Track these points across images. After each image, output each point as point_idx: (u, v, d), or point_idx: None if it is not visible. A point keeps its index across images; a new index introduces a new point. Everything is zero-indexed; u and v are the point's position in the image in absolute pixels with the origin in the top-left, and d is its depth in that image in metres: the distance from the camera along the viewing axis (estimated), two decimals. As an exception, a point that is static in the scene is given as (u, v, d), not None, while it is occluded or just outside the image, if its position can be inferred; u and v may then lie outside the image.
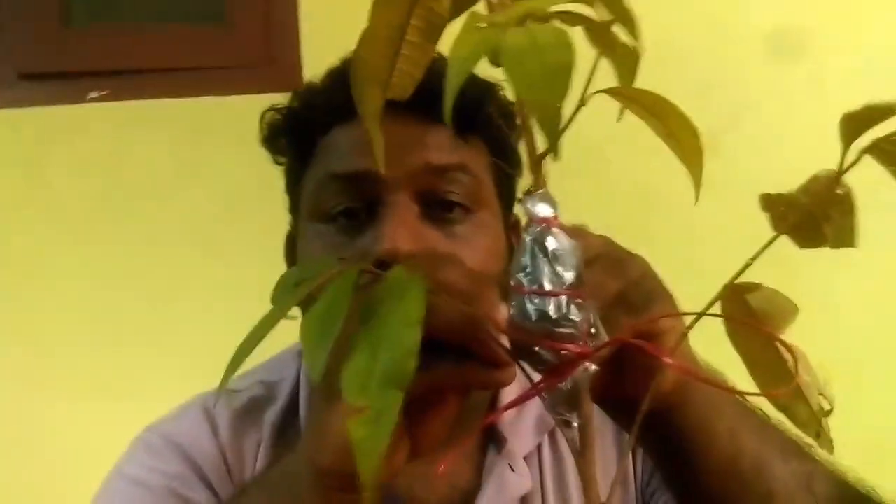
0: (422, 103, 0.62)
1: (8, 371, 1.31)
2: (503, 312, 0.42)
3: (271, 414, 0.71)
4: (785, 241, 0.50)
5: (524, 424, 0.71)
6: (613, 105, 0.42)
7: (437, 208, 0.64)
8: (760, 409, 0.57)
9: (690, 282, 0.52)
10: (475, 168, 0.66)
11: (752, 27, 1.50)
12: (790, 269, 0.52)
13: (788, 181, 0.48)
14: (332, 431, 0.45)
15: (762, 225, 0.48)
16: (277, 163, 0.72)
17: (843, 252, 0.49)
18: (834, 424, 0.54)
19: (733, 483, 0.52)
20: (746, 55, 1.49)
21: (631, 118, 0.43)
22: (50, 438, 1.29)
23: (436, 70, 0.63)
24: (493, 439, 0.70)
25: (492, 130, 0.68)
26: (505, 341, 0.42)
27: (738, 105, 1.46)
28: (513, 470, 0.68)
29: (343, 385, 0.33)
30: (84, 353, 1.32)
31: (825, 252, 0.49)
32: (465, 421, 0.66)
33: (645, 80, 0.40)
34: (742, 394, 0.37)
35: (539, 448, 0.71)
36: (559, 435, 0.71)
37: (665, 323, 0.46)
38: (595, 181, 1.39)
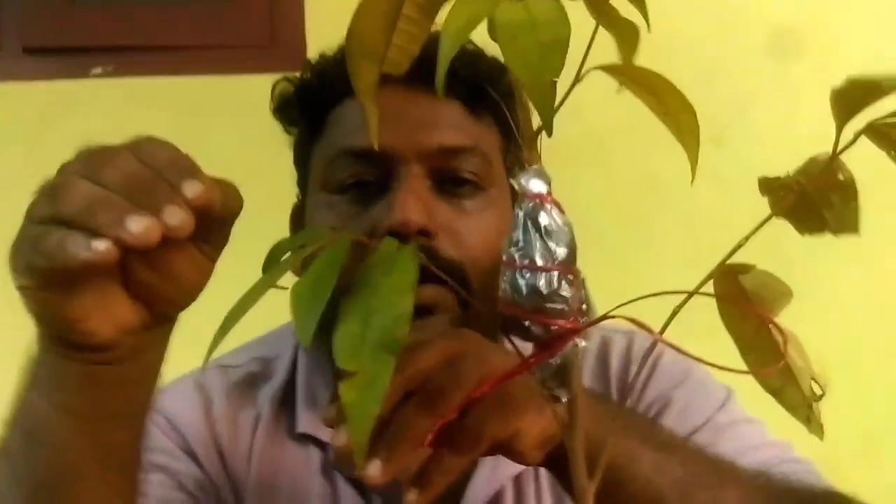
0: (433, 78, 0.62)
1: (5, 345, 1.31)
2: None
3: (268, 389, 0.72)
4: (782, 232, 0.49)
5: None
6: (613, 91, 0.41)
7: (448, 184, 0.65)
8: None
9: (691, 270, 0.52)
10: (486, 148, 0.67)
11: (759, 18, 1.49)
12: (787, 261, 0.52)
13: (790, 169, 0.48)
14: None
15: (761, 213, 0.48)
16: (288, 132, 0.73)
17: (841, 243, 0.48)
18: (830, 416, 0.54)
19: None
20: (752, 46, 1.48)
21: (633, 105, 0.43)
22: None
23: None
24: None
25: (502, 110, 0.69)
26: None
27: (744, 96, 1.46)
28: None
29: (335, 349, 0.33)
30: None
31: (822, 244, 0.49)
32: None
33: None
34: (733, 371, 0.37)
35: None
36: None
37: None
38: (598, 170, 1.39)
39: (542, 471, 0.70)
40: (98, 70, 1.35)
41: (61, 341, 0.46)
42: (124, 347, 0.46)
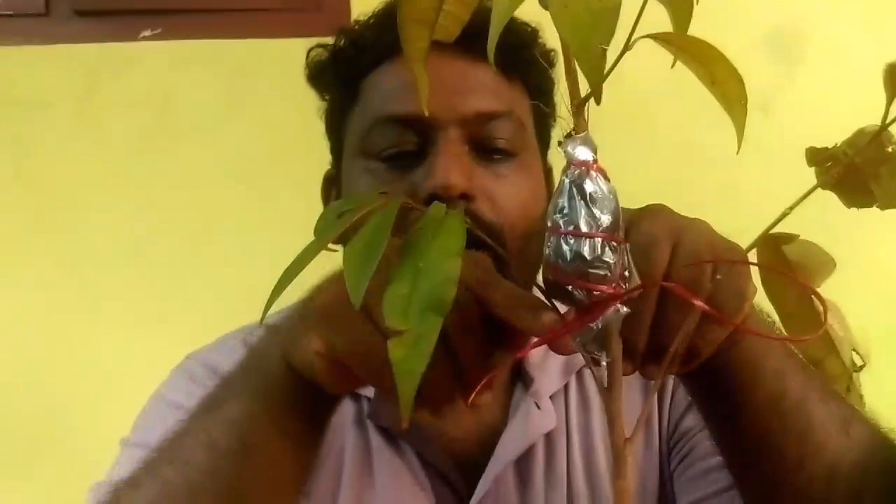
0: (468, 42, 0.63)
1: (52, 301, 1.35)
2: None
3: None
4: (827, 204, 0.49)
5: (551, 364, 0.72)
6: (660, 59, 0.42)
7: (483, 151, 0.66)
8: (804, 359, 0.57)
9: (734, 239, 0.52)
10: (520, 112, 0.68)
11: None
12: (832, 234, 0.52)
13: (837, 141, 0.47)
14: (302, 343, 0.49)
15: (806, 185, 0.48)
16: (323, 100, 0.73)
17: (887, 217, 0.48)
18: (870, 389, 0.54)
19: (775, 420, 0.52)
20: (800, 12, 1.45)
21: (679, 75, 0.43)
22: (89, 365, 1.33)
23: (482, 9, 0.64)
24: (520, 378, 0.72)
25: (532, 74, 0.69)
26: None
27: (791, 64, 1.43)
28: (538, 408, 0.70)
29: (384, 309, 0.35)
30: (126, 285, 1.35)
31: (867, 216, 0.49)
32: (493, 358, 0.68)
33: (695, 33, 0.40)
34: (779, 339, 0.38)
35: (566, 388, 0.72)
36: (587, 376, 0.73)
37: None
38: (640, 135, 1.38)
39: (574, 429, 0.71)
40: (147, 32, 1.37)
41: (313, 386, 0.50)
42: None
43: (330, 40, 0.74)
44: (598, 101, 0.34)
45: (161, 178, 1.37)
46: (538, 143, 0.71)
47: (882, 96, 0.44)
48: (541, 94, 0.70)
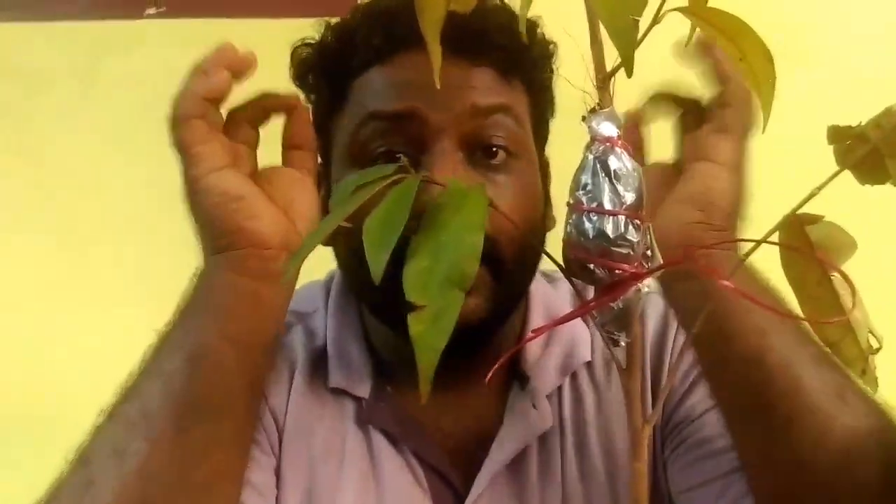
0: (467, 44, 0.62)
1: (50, 278, 1.34)
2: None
3: (303, 337, 0.73)
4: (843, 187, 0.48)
5: (548, 364, 0.71)
6: (681, 31, 0.41)
7: (481, 153, 0.64)
8: (801, 326, 0.56)
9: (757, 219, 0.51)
10: (518, 110, 0.66)
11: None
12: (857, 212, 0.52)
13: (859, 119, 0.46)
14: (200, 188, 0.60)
15: (819, 166, 0.47)
16: (308, 101, 0.70)
17: None
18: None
19: (756, 374, 0.52)
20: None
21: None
22: (88, 341, 1.33)
23: (480, 11, 0.62)
24: (517, 377, 0.71)
25: (533, 73, 0.68)
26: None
27: (815, 40, 1.40)
28: (535, 407, 0.69)
29: (405, 284, 0.34)
30: (127, 261, 1.35)
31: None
32: (492, 354, 0.67)
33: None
34: (794, 318, 0.37)
35: (560, 389, 0.71)
36: (580, 376, 0.72)
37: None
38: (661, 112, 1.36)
39: (568, 428, 0.70)
40: (151, 11, 1.35)
41: (234, 245, 0.56)
42: (280, 259, 0.56)
43: (314, 38, 0.71)
44: (629, 74, 0.33)
45: (163, 155, 1.36)
46: (536, 142, 0.69)
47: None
48: (542, 90, 0.69)
